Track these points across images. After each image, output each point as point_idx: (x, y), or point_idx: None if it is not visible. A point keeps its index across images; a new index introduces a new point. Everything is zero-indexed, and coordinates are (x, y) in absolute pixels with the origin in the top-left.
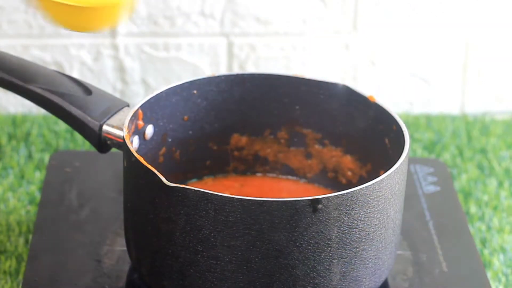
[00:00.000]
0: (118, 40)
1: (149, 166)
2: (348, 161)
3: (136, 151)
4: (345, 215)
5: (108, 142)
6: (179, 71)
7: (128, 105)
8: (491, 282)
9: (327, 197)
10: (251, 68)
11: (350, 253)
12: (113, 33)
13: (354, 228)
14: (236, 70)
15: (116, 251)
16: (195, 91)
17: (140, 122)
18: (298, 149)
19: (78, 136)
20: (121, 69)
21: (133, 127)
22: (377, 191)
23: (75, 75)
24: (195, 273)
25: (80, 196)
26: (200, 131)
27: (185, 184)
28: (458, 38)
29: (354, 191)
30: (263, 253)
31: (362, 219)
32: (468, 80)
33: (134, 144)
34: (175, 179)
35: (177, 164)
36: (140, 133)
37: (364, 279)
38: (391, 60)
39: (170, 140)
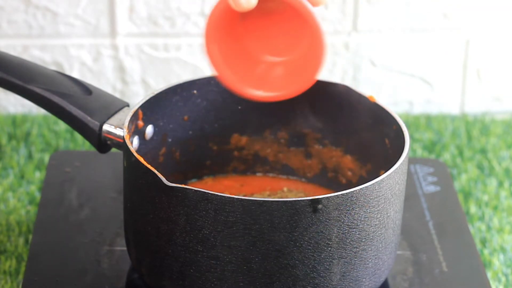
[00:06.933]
0: (118, 40)
1: (149, 166)
2: (348, 161)
3: (136, 151)
4: (345, 215)
5: (108, 142)
6: (179, 71)
7: (128, 105)
8: (491, 282)
9: (327, 197)
10: None
11: (350, 253)
12: (113, 33)
13: (354, 228)
14: None
15: (116, 251)
16: (195, 91)
17: (140, 122)
18: (298, 149)
19: (78, 136)
20: (121, 69)
21: (133, 127)
22: (377, 191)
23: (75, 75)
24: (195, 273)
25: (80, 196)
26: (200, 131)
27: (185, 184)
28: (458, 38)
29: (354, 191)
30: (263, 253)
31: (362, 219)
32: (468, 80)
33: (134, 144)
34: (175, 179)
35: (177, 164)
36: (140, 133)
37: (364, 279)
38: (391, 60)
39: (170, 140)
